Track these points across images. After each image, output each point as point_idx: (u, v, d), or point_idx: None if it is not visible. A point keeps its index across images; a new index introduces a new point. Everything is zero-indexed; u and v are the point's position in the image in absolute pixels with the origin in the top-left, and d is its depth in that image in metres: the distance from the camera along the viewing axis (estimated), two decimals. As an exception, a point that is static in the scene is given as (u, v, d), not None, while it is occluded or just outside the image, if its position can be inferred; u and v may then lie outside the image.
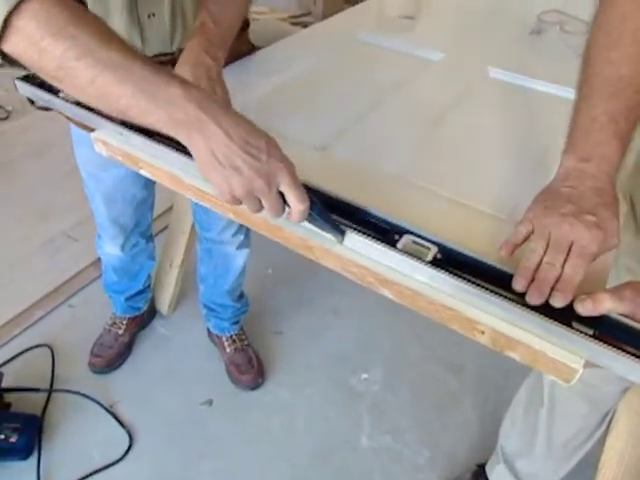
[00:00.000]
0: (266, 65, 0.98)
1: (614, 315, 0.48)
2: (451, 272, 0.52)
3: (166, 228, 1.58)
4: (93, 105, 0.55)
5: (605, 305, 0.47)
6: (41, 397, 1.33)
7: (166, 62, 0.87)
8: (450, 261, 0.54)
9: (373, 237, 0.56)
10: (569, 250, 0.50)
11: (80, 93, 0.54)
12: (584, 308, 0.48)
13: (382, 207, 0.60)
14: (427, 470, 1.25)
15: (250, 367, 1.37)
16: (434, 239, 0.56)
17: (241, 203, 0.53)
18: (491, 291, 0.51)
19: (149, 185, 1.09)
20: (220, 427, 1.31)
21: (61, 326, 1.53)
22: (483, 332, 0.52)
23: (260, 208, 0.53)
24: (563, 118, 0.88)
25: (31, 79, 0.81)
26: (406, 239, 0.56)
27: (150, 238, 1.28)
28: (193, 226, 1.38)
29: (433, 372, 1.46)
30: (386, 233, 0.57)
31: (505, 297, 0.50)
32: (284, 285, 1.69)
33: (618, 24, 0.55)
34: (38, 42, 0.50)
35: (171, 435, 1.29)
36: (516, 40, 1.15)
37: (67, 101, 0.76)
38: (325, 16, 2.94)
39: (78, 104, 0.76)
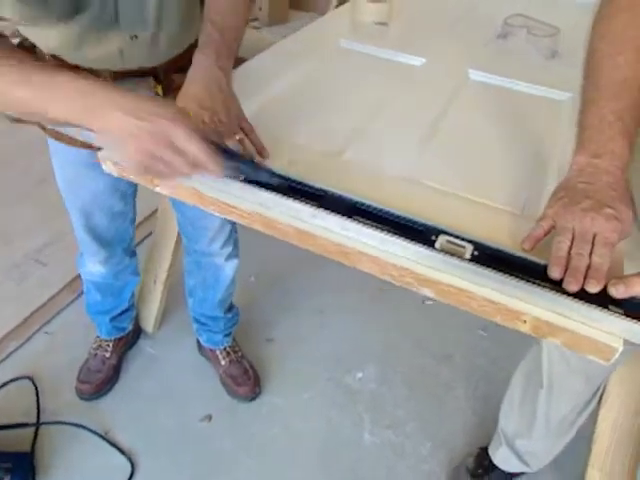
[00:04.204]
0: (258, 76, 0.98)
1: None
2: (491, 267, 0.55)
3: (146, 238, 1.55)
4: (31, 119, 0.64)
5: (636, 288, 0.52)
6: (29, 432, 1.26)
7: (148, 72, 0.86)
8: (486, 257, 0.57)
9: (412, 239, 0.58)
10: (593, 241, 0.55)
11: (7, 107, 0.61)
12: (617, 291, 0.52)
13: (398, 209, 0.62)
14: (431, 460, 1.29)
15: (247, 378, 1.37)
16: (467, 237, 0.59)
17: (155, 174, 0.58)
18: (530, 282, 0.54)
19: (127, 199, 1.07)
20: (223, 442, 1.30)
21: (40, 355, 1.45)
22: (525, 321, 0.55)
23: (168, 172, 0.56)
24: (547, 115, 0.94)
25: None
26: (442, 239, 0.59)
27: (133, 253, 1.25)
28: (178, 239, 1.35)
29: (424, 364, 1.51)
30: (422, 235, 0.59)
31: (544, 286, 0.54)
32: (269, 292, 1.69)
33: (620, 33, 0.61)
34: None
35: (174, 456, 1.26)
36: (485, 44, 1.21)
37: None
38: (271, 22, 2.96)
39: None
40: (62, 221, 1.79)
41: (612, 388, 1.02)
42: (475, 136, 0.85)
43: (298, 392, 1.42)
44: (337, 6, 2.01)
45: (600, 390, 1.02)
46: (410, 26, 1.27)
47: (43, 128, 0.89)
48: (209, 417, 1.34)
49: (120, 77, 0.84)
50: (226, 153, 0.59)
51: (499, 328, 1.67)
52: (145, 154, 0.54)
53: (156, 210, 1.41)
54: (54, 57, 0.80)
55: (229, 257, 1.22)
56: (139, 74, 0.85)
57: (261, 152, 0.70)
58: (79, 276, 1.64)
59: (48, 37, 0.77)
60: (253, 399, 1.37)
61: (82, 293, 1.60)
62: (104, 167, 0.74)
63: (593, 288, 0.52)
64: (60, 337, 1.51)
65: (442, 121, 0.88)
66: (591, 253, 0.54)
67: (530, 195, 0.72)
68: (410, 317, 1.64)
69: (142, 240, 1.68)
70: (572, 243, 0.56)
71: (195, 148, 0.54)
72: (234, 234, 1.19)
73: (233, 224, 1.15)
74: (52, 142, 0.92)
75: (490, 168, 0.77)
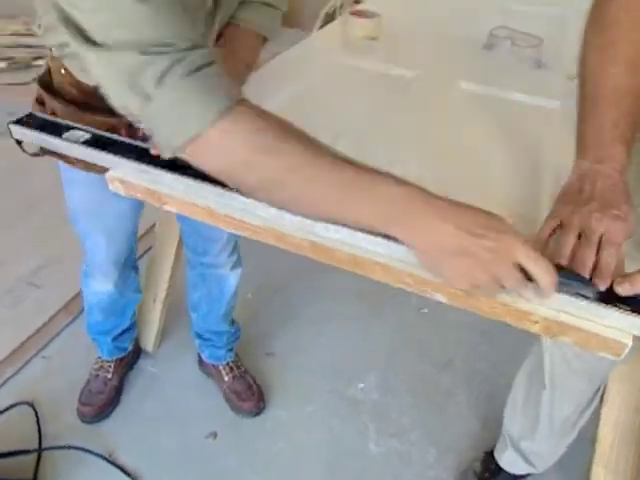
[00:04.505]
0: (251, 96, 1.00)
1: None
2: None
3: (145, 253, 1.54)
4: (305, 214, 0.56)
5: (640, 284, 0.54)
6: (31, 459, 1.24)
7: None
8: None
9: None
10: (600, 240, 0.57)
11: (291, 205, 0.55)
12: (623, 289, 0.54)
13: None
14: (437, 467, 1.30)
15: (251, 394, 1.36)
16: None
17: (481, 292, 0.51)
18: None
19: (140, 217, 1.07)
20: (228, 459, 1.29)
21: (38, 380, 1.43)
22: (536, 322, 0.57)
23: (500, 289, 0.50)
24: (539, 123, 0.97)
25: (29, 122, 0.79)
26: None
27: (137, 269, 1.25)
28: (177, 255, 1.36)
29: (424, 371, 1.52)
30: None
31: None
32: (266, 307, 1.69)
33: (610, 46, 0.64)
34: (249, 159, 0.51)
35: (180, 475, 1.25)
36: (472, 55, 1.24)
37: (75, 142, 0.75)
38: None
39: (87, 143, 0.75)
40: (55, 243, 1.80)
41: (613, 387, 1.04)
42: (471, 145, 0.88)
43: (301, 405, 1.42)
44: (322, 24, 2.06)
45: (601, 389, 1.05)
46: (399, 40, 1.30)
47: (67, 161, 0.88)
48: (214, 434, 1.33)
49: None
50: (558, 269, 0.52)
51: (497, 332, 1.70)
52: (482, 274, 0.49)
53: (154, 225, 1.42)
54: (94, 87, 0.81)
55: (234, 266, 1.23)
56: None
57: None
58: (75, 298, 1.65)
59: None
60: (257, 414, 1.36)
61: (79, 315, 1.62)
62: (111, 187, 0.75)
63: (601, 286, 0.55)
64: (58, 360, 1.49)
65: (438, 132, 0.91)
66: (598, 252, 0.57)
67: (528, 201, 0.74)
68: (408, 325, 1.66)
69: (141, 255, 1.68)
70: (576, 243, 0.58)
71: (540, 269, 0.48)
72: (237, 242, 1.21)
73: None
74: (67, 169, 0.91)
75: (487, 176, 0.80)
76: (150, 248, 1.46)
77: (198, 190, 0.68)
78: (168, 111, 0.51)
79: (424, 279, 0.60)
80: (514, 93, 1.06)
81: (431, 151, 0.85)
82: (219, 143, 0.52)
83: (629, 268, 0.60)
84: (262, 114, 0.54)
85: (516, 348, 1.46)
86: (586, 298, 0.53)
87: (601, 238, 0.57)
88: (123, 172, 0.73)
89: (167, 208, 0.73)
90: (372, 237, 0.60)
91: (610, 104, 0.62)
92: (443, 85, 1.08)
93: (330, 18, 1.92)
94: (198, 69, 0.51)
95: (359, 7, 1.37)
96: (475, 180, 0.79)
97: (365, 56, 1.19)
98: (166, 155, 0.56)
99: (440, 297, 0.61)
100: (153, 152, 0.73)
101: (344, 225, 0.55)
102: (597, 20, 0.67)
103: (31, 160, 0.93)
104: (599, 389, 1.04)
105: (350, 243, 0.63)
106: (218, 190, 0.67)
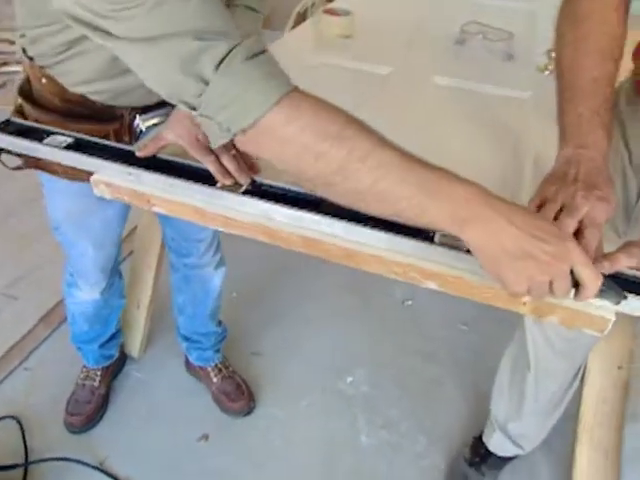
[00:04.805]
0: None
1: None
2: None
3: (127, 257, 1.53)
4: (364, 208, 0.53)
5: (621, 262, 0.56)
6: (18, 474, 1.22)
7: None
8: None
9: (413, 236, 0.61)
10: (583, 222, 0.59)
11: (355, 196, 0.52)
12: (604, 268, 0.57)
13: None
14: (428, 455, 1.33)
15: (240, 393, 1.36)
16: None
17: (533, 296, 0.51)
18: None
19: (125, 222, 1.06)
20: (222, 460, 1.29)
21: (21, 392, 1.40)
22: (525, 303, 0.59)
23: (546, 294, 0.50)
24: (513, 113, 1.00)
25: (7, 129, 0.77)
26: (439, 234, 0.62)
27: (120, 274, 1.24)
28: (160, 258, 1.35)
29: (411, 363, 1.55)
30: (421, 231, 0.63)
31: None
32: (252, 306, 1.69)
33: (582, 39, 0.67)
34: (313, 146, 0.49)
35: (174, 479, 1.24)
36: (445, 50, 1.27)
37: (56, 147, 0.74)
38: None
39: (69, 148, 0.74)
40: (31, 254, 1.76)
41: (592, 365, 1.08)
42: (449, 137, 0.90)
43: (291, 402, 1.42)
44: (294, 24, 2.07)
45: (582, 369, 1.08)
46: (373, 37, 1.32)
47: (49, 170, 0.86)
48: (206, 436, 1.33)
49: (140, 112, 0.85)
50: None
51: (479, 321, 1.74)
52: (541, 277, 0.48)
53: (135, 228, 1.40)
54: (81, 96, 0.79)
55: (218, 265, 1.24)
56: (156, 106, 0.85)
57: (253, 168, 0.72)
58: (55, 308, 1.62)
59: (84, 66, 0.75)
60: (248, 414, 1.37)
61: (59, 325, 1.59)
62: (96, 191, 0.75)
63: None
64: (40, 372, 1.46)
65: (416, 126, 0.92)
66: (579, 232, 0.59)
67: (509, 187, 0.76)
68: (393, 318, 1.68)
69: (123, 260, 1.65)
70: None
71: (592, 276, 0.49)
72: (220, 241, 1.21)
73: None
74: (50, 179, 0.89)
75: (468, 164, 0.81)
76: (132, 252, 1.44)
77: (186, 190, 0.68)
78: (228, 95, 0.50)
79: (415, 267, 0.62)
80: (487, 86, 1.09)
81: (410, 145, 0.86)
82: (283, 129, 0.50)
83: (606, 249, 0.63)
84: (321, 100, 0.52)
85: (497, 336, 1.50)
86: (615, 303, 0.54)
87: (583, 219, 0.60)
88: (108, 175, 0.72)
89: (155, 209, 0.73)
90: (368, 230, 0.62)
91: (588, 94, 0.65)
92: (418, 80, 1.10)
93: (302, 18, 1.93)
94: (256, 55, 0.51)
95: (331, 6, 1.38)
96: (456, 170, 0.81)
97: (340, 54, 1.21)
98: (220, 143, 0.54)
99: (432, 285, 0.62)
100: (139, 154, 0.73)
101: (405, 221, 0.52)
102: (569, 15, 0.70)
103: (3, 172, 0.91)
104: (580, 368, 1.08)
105: (342, 236, 0.64)
106: (207, 189, 0.68)
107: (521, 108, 1.03)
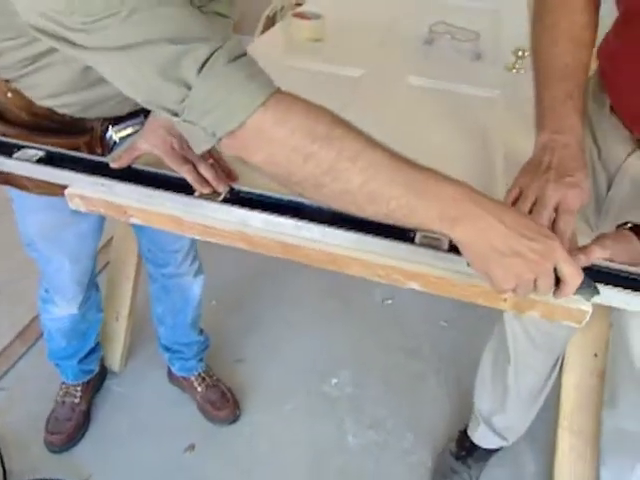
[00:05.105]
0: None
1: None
2: (469, 254, 0.60)
3: (103, 269, 1.50)
4: (354, 210, 0.52)
5: (595, 254, 0.58)
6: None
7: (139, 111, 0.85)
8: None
9: (393, 238, 0.62)
10: (557, 210, 0.61)
11: (345, 197, 0.51)
12: (580, 261, 0.58)
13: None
14: (415, 451, 1.34)
15: (225, 401, 1.35)
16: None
17: (518, 293, 0.51)
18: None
19: (101, 234, 1.04)
20: (210, 469, 1.27)
21: (-2, 413, 1.36)
22: (505, 300, 0.61)
23: (529, 291, 0.52)
24: (483, 111, 1.02)
25: (-27, 145, 0.75)
26: (419, 234, 0.63)
27: (97, 287, 1.21)
28: (137, 269, 1.33)
29: (394, 360, 1.56)
30: (401, 233, 0.63)
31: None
32: (232, 313, 1.68)
33: (553, 27, 0.69)
34: (302, 147, 0.49)
35: (161, 492, 1.22)
36: (414, 51, 1.29)
37: (28, 161, 0.72)
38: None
39: (41, 161, 0.72)
40: (2, 270, 1.71)
41: (570, 355, 1.11)
42: (424, 135, 0.92)
43: (277, 407, 1.42)
44: (263, 28, 2.06)
45: (560, 358, 1.11)
46: (344, 40, 1.32)
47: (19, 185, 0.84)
48: (192, 447, 1.31)
49: (112, 123, 0.83)
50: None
51: (459, 318, 1.76)
52: (529, 275, 0.49)
53: (111, 239, 1.37)
54: (48, 110, 0.77)
55: (197, 274, 1.22)
56: (129, 116, 0.83)
57: (231, 176, 0.71)
58: (29, 325, 1.58)
59: (51, 79, 0.73)
60: (234, 421, 1.35)
61: (35, 342, 1.55)
62: (71, 204, 0.73)
63: None
64: (17, 391, 1.42)
65: (392, 126, 0.93)
66: (555, 221, 0.61)
67: (483, 181, 0.78)
68: (374, 318, 1.69)
69: (99, 271, 1.62)
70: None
71: (571, 272, 0.50)
72: (197, 249, 1.19)
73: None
74: (20, 195, 0.87)
75: (443, 161, 0.83)
76: (108, 263, 1.42)
77: (164, 200, 0.68)
78: (213, 98, 0.49)
79: (397, 269, 0.62)
80: (457, 85, 1.11)
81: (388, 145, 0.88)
82: (272, 130, 0.50)
83: (580, 241, 0.65)
84: (306, 101, 0.52)
85: (477, 331, 1.53)
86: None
87: (558, 207, 0.61)
88: (82, 188, 0.71)
89: (132, 221, 0.71)
90: (347, 233, 0.62)
91: (561, 78, 0.67)
92: (390, 81, 1.11)
93: (271, 21, 1.93)
94: (238, 57, 0.50)
95: (301, 9, 1.38)
96: (432, 166, 0.82)
97: (311, 57, 1.21)
98: (204, 148, 0.53)
99: (414, 285, 0.63)
100: (113, 165, 0.71)
101: (395, 222, 0.52)
102: (541, 6, 0.72)
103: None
104: (559, 358, 1.10)
105: (322, 240, 0.64)
106: (185, 198, 0.67)
107: (491, 106, 1.05)
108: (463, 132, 0.94)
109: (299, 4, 1.82)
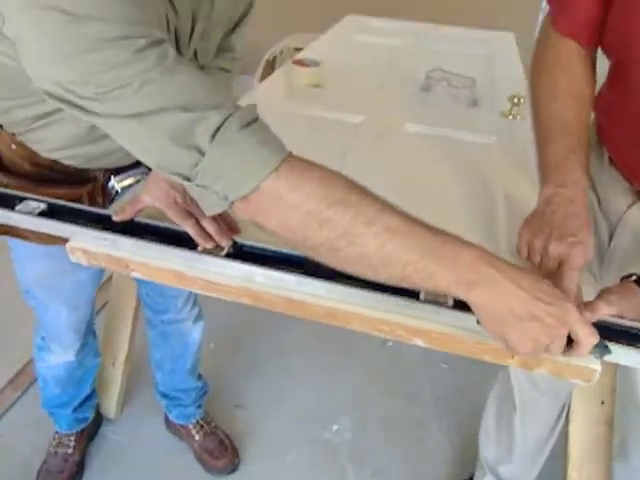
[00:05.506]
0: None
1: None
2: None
3: (100, 310, 1.48)
4: (370, 274, 0.52)
5: (601, 311, 0.58)
6: None
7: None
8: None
9: (398, 294, 0.61)
10: (561, 267, 0.61)
11: (360, 261, 0.51)
12: (586, 318, 0.58)
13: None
14: (420, 501, 1.30)
15: (224, 450, 1.31)
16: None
17: (531, 354, 0.52)
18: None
19: (101, 280, 1.04)
20: (207, 523, 1.23)
21: (-12, 463, 1.32)
22: (513, 357, 0.60)
23: (542, 352, 0.52)
24: (481, 157, 1.04)
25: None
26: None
27: (94, 332, 1.20)
28: (136, 312, 1.31)
29: (394, 406, 1.53)
30: (405, 288, 0.63)
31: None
32: (230, 357, 1.65)
33: (553, 84, 0.71)
34: (317, 212, 0.49)
35: None
36: (412, 97, 1.31)
37: (30, 214, 0.72)
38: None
39: (43, 215, 0.72)
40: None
41: (576, 404, 1.09)
42: (425, 182, 0.92)
43: (277, 456, 1.38)
44: (263, 71, 2.11)
45: (566, 406, 1.09)
46: (343, 86, 1.35)
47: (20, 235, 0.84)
48: (189, 499, 1.27)
49: (114, 173, 0.84)
50: None
51: (459, 360, 1.73)
52: (545, 338, 0.50)
53: (110, 277, 1.36)
54: (52, 161, 0.78)
55: (197, 319, 1.21)
56: (131, 166, 0.84)
57: (234, 229, 0.71)
58: (21, 372, 1.55)
59: (57, 134, 0.73)
60: (233, 471, 1.31)
61: (27, 390, 1.51)
62: (72, 258, 0.73)
63: None
64: (9, 439, 1.38)
65: (392, 173, 0.94)
66: (560, 279, 0.60)
67: (486, 230, 0.78)
68: (373, 361, 1.67)
69: (97, 312, 1.60)
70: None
71: (586, 334, 0.51)
72: (197, 294, 1.18)
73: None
74: (19, 244, 0.86)
75: (443, 212, 0.83)
76: (106, 303, 1.40)
77: (166, 254, 0.67)
78: (226, 164, 0.50)
79: (402, 325, 0.62)
80: (455, 131, 1.12)
81: (388, 193, 0.88)
82: (287, 196, 0.50)
83: (584, 291, 0.65)
84: (319, 165, 0.53)
85: (477, 373, 1.51)
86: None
87: (561, 263, 0.61)
88: (85, 242, 0.70)
89: (134, 275, 0.71)
90: (352, 289, 0.61)
91: (563, 133, 0.68)
92: (389, 128, 1.13)
93: (271, 65, 1.98)
94: (249, 123, 0.51)
95: (300, 57, 1.42)
96: (434, 216, 0.82)
97: (312, 103, 1.23)
98: (216, 211, 0.54)
99: (419, 342, 0.62)
100: (116, 218, 0.71)
101: (411, 286, 0.52)
102: (539, 62, 0.74)
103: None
104: (564, 406, 1.08)
105: (325, 296, 0.64)
106: (188, 253, 0.67)
107: (489, 152, 1.06)
108: (462, 178, 0.95)
109: (298, 49, 1.86)
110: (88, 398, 1.26)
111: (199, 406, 1.34)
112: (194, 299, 1.18)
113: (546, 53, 0.74)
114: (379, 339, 1.73)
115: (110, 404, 1.40)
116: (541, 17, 2.90)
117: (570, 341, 0.52)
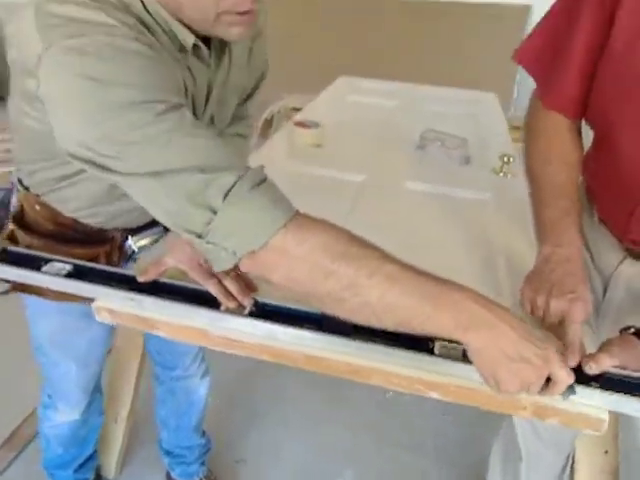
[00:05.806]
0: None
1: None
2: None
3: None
4: (374, 321, 0.55)
5: (605, 363, 0.62)
6: None
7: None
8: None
9: (413, 349, 0.65)
10: (564, 322, 0.65)
11: (365, 310, 0.54)
12: (591, 369, 0.62)
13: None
14: None
15: (227, 508, 1.29)
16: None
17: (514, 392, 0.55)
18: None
19: (113, 338, 1.05)
20: None
21: (-17, 529, 1.27)
22: (525, 408, 0.63)
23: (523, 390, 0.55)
24: (477, 213, 1.09)
25: (4, 257, 0.78)
26: (438, 344, 0.66)
27: (101, 390, 1.19)
28: (140, 368, 1.31)
29: (397, 457, 1.52)
30: (420, 343, 0.66)
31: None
32: (229, 411, 1.64)
33: (545, 150, 0.78)
34: (322, 265, 0.53)
35: None
36: (408, 156, 1.39)
37: (56, 275, 0.75)
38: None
39: (69, 276, 0.75)
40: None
41: (580, 455, 1.10)
42: (426, 239, 0.97)
43: (281, 513, 1.35)
44: (261, 131, 2.20)
45: (571, 456, 1.10)
46: (342, 146, 1.43)
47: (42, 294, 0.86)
48: None
49: (131, 232, 0.88)
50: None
51: (460, 410, 1.73)
52: (532, 378, 0.54)
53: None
54: (73, 220, 0.81)
55: (204, 375, 1.21)
56: (147, 225, 0.88)
57: (250, 287, 0.73)
58: (18, 430, 1.52)
59: (80, 194, 0.77)
60: (237, 530, 1.28)
61: (24, 448, 1.48)
62: (98, 317, 0.75)
63: (572, 363, 0.60)
64: (5, 503, 1.34)
65: (394, 231, 0.99)
66: (564, 333, 0.65)
67: (488, 285, 0.83)
68: (375, 413, 1.66)
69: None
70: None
71: (565, 375, 0.55)
72: (204, 350, 1.19)
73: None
74: (35, 302, 0.88)
75: (444, 264, 0.88)
76: (109, 350, 1.39)
77: (191, 313, 0.70)
78: (237, 222, 0.53)
79: (420, 380, 0.65)
80: (451, 188, 1.19)
81: (392, 250, 0.93)
82: (294, 250, 0.53)
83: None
84: (323, 221, 0.57)
85: (478, 424, 1.52)
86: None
87: (563, 319, 0.65)
88: (111, 302, 0.73)
89: (158, 333, 0.73)
90: (370, 345, 0.65)
91: (557, 196, 0.74)
92: (391, 186, 1.19)
93: (269, 124, 2.08)
94: (259, 183, 0.55)
95: (301, 118, 1.50)
96: (436, 271, 0.87)
97: (314, 162, 1.30)
98: (225, 267, 0.57)
99: (435, 395, 0.65)
100: (140, 279, 0.74)
101: (411, 330, 0.55)
102: (529, 131, 0.81)
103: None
104: (569, 457, 1.10)
105: (345, 352, 0.67)
106: (212, 312, 0.70)
107: (484, 208, 1.13)
108: (461, 235, 1.00)
109: (295, 109, 1.96)
110: (90, 459, 1.23)
111: (202, 463, 1.32)
112: (202, 355, 1.19)
113: (537, 124, 0.81)
114: (378, 390, 1.73)
115: (110, 463, 1.37)
116: (518, 78, 3.10)
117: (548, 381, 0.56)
